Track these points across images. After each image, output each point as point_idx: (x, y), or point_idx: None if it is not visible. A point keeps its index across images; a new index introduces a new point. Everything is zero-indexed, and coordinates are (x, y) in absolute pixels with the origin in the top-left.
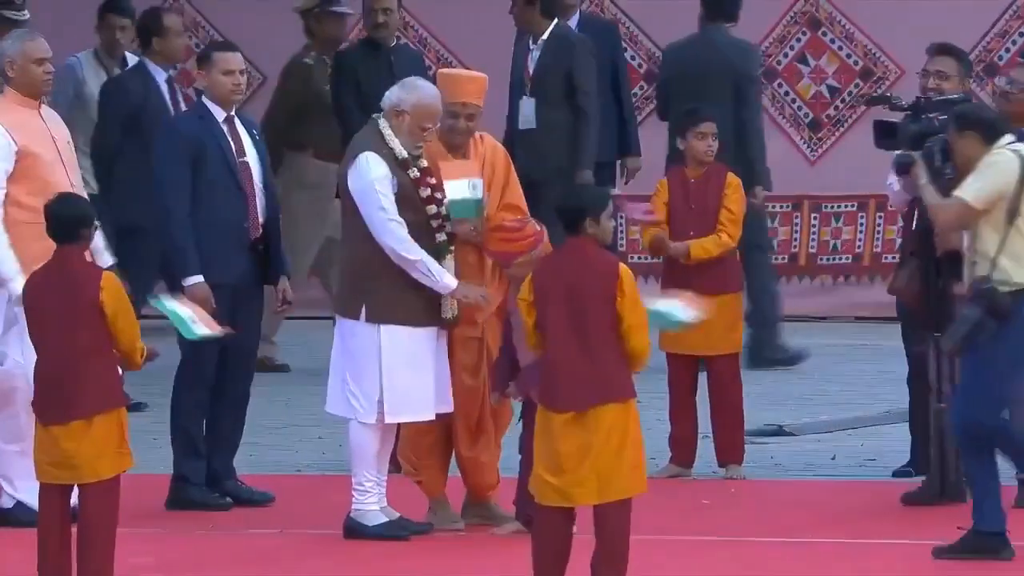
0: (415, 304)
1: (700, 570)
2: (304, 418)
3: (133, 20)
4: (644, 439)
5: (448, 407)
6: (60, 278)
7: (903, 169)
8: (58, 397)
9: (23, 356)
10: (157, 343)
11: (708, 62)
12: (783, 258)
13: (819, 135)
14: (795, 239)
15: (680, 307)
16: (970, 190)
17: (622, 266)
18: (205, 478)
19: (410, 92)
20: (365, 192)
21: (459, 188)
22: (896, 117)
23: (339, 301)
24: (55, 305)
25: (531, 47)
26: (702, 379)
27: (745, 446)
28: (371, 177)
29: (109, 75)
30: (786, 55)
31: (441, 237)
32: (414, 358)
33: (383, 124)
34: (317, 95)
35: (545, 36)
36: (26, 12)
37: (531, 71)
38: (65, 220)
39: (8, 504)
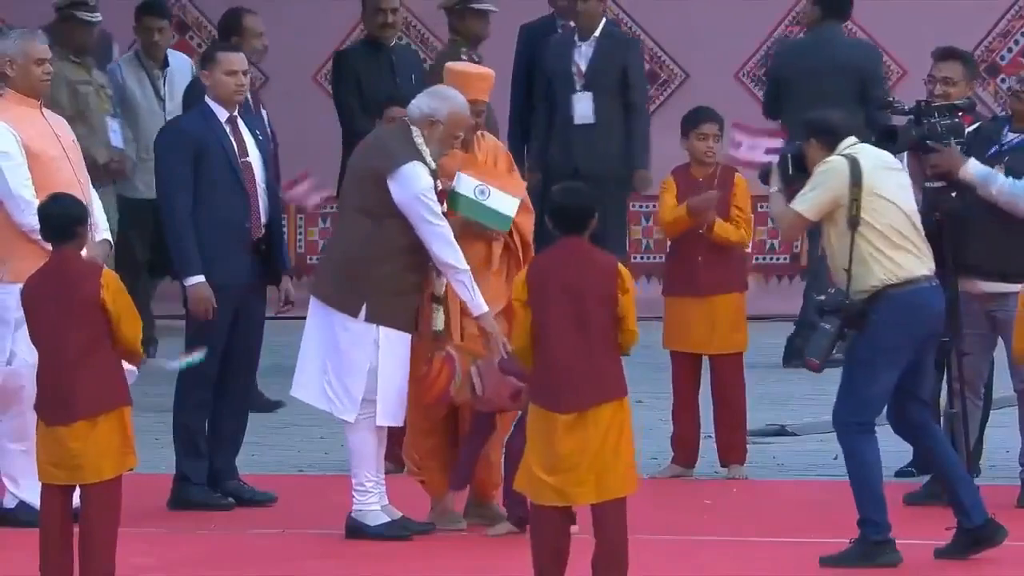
0: (411, 309)
1: (702, 570)
2: (306, 418)
3: (170, 21)
4: (647, 439)
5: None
6: (58, 278)
7: (764, 178)
8: (61, 397)
9: (31, 356)
10: (161, 342)
11: (828, 61)
12: (784, 258)
13: None
14: (796, 239)
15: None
16: (803, 200)
17: (620, 264)
18: (207, 478)
19: (444, 102)
20: (413, 202)
21: (465, 184)
22: (899, 120)
23: (333, 294)
24: (54, 305)
25: (578, 43)
26: (705, 379)
27: (747, 446)
28: (420, 187)
29: (150, 77)
30: None
31: None
32: (404, 363)
33: (415, 132)
34: None
35: (597, 32)
36: (99, 14)
37: (583, 66)
38: (59, 220)
39: (10, 504)
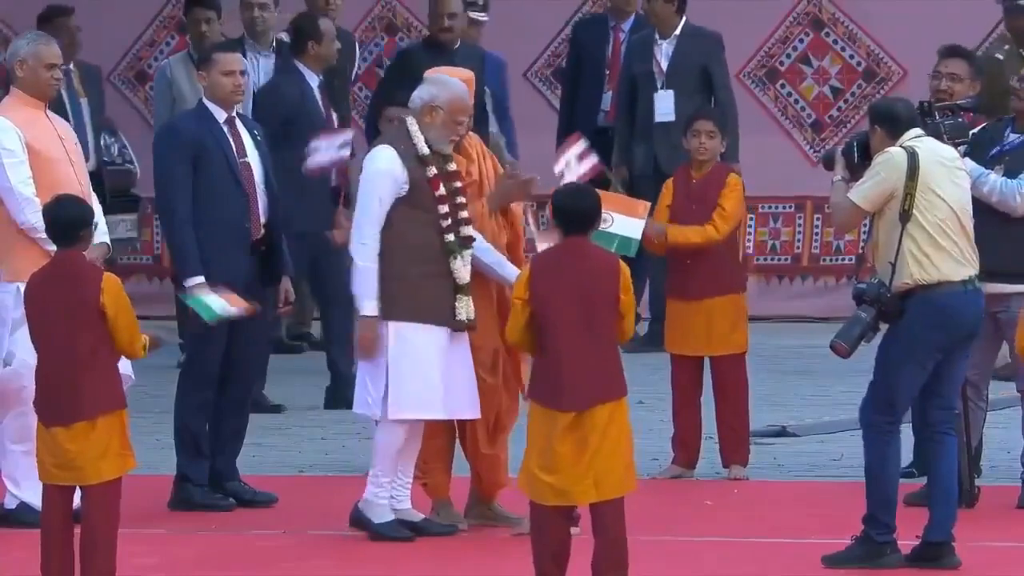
0: (424, 301)
1: (702, 570)
2: (306, 419)
3: (219, 14)
4: (647, 439)
5: (473, 413)
6: (61, 280)
7: (828, 165)
8: (61, 399)
9: (31, 356)
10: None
11: None
12: (786, 259)
13: (822, 136)
14: (798, 240)
15: (633, 224)
16: (859, 191)
17: (621, 263)
18: (208, 478)
19: (442, 88)
20: (364, 181)
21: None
22: None
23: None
24: (56, 307)
25: (659, 41)
26: (706, 380)
27: (749, 447)
28: (372, 168)
29: (199, 70)
30: (789, 56)
31: (450, 238)
32: (421, 355)
33: (411, 121)
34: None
35: (677, 32)
36: (486, 14)
37: (663, 65)
38: (64, 222)
39: (11, 504)
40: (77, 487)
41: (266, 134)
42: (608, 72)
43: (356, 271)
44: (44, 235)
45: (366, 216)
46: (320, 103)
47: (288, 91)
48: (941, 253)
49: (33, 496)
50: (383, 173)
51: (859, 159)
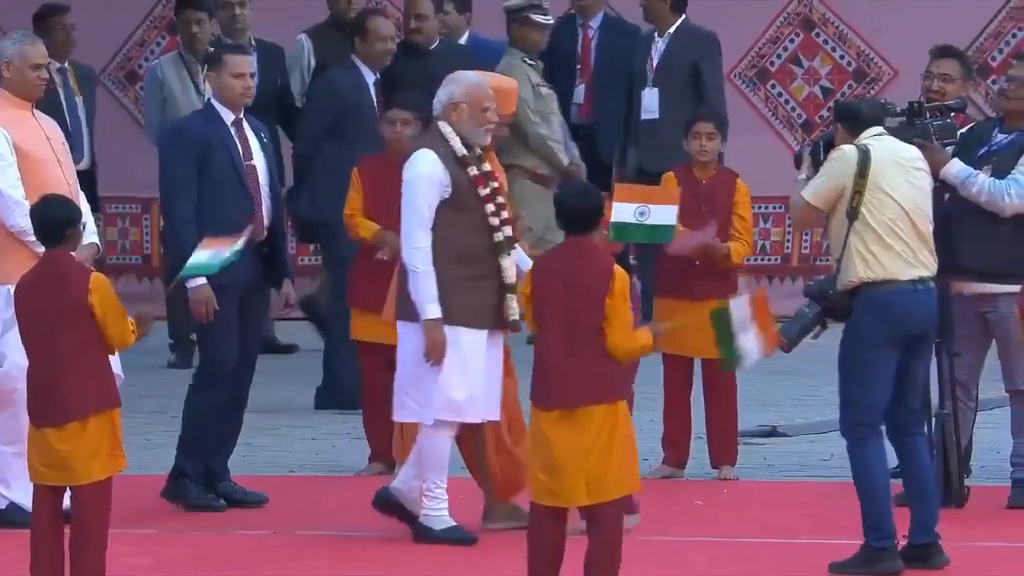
0: (472, 305)
1: (692, 570)
2: (297, 419)
3: (210, 14)
4: (638, 440)
5: (497, 415)
6: (49, 280)
7: (798, 164)
8: (52, 399)
9: (22, 357)
10: (147, 340)
11: None
12: (776, 259)
13: (812, 136)
14: (788, 240)
15: (756, 346)
16: (811, 188)
17: (616, 266)
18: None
19: (456, 84)
20: (406, 186)
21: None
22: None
23: (398, 304)
24: (45, 307)
25: (656, 39)
26: (696, 380)
27: (738, 447)
28: (415, 172)
29: (190, 72)
30: (779, 56)
31: (499, 237)
32: (468, 358)
33: (442, 124)
34: None
35: (672, 30)
36: (551, 16)
37: (655, 63)
38: (50, 222)
39: (1, 505)
40: (67, 487)
41: (315, 127)
42: (579, 67)
43: (414, 276)
44: (33, 238)
45: (416, 220)
46: (375, 101)
47: (342, 85)
48: (889, 253)
49: (24, 497)
50: (425, 177)
51: (824, 156)
